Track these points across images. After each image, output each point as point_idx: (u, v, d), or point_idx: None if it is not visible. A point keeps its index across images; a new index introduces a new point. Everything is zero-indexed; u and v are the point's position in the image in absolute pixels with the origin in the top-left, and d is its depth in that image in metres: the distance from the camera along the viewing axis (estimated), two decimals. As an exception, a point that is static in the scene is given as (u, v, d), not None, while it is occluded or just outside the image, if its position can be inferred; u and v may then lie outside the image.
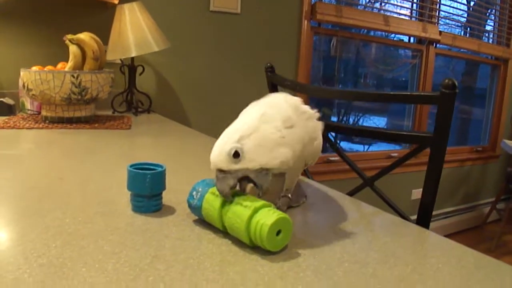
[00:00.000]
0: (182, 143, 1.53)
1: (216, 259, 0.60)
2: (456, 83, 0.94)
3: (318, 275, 0.58)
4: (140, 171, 0.73)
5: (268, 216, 0.61)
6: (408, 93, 1.08)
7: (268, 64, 1.45)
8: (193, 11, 2.40)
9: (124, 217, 0.73)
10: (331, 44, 3.18)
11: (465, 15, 4.04)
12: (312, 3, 2.80)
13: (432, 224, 3.74)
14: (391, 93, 1.05)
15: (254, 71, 2.58)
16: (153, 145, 1.50)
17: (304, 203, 0.88)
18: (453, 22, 3.88)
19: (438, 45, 3.63)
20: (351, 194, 1.14)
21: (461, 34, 4.00)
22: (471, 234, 4.10)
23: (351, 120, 3.86)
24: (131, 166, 0.75)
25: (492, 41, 4.24)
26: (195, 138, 1.62)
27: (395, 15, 3.30)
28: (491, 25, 4.28)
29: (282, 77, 1.43)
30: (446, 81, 0.95)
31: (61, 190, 0.87)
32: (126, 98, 2.08)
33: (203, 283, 0.53)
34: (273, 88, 1.50)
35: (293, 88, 1.38)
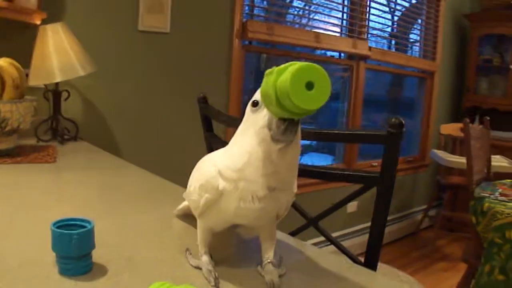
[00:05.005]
0: (111, 178, 1.44)
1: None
2: (404, 122, 0.90)
3: None
4: (65, 231, 0.65)
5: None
6: (355, 132, 1.04)
7: (201, 95, 1.36)
8: (120, 31, 2.29)
9: (51, 282, 0.65)
10: (261, 59, 3.17)
11: (392, 26, 4.14)
12: (243, 21, 2.77)
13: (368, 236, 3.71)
14: (336, 131, 1.01)
15: (185, 92, 2.51)
16: (81, 181, 1.39)
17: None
18: (381, 34, 3.96)
19: (368, 60, 3.69)
20: (293, 234, 1.10)
21: (389, 46, 4.09)
22: (406, 242, 4.18)
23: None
24: (54, 224, 0.67)
25: (419, 55, 4.37)
26: (125, 171, 1.53)
27: (326, 32, 3.33)
28: (417, 35, 4.40)
29: (217, 110, 1.32)
30: (393, 120, 0.91)
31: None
32: (51, 125, 1.95)
33: None
34: (206, 121, 1.43)
35: (228, 124, 1.28)
